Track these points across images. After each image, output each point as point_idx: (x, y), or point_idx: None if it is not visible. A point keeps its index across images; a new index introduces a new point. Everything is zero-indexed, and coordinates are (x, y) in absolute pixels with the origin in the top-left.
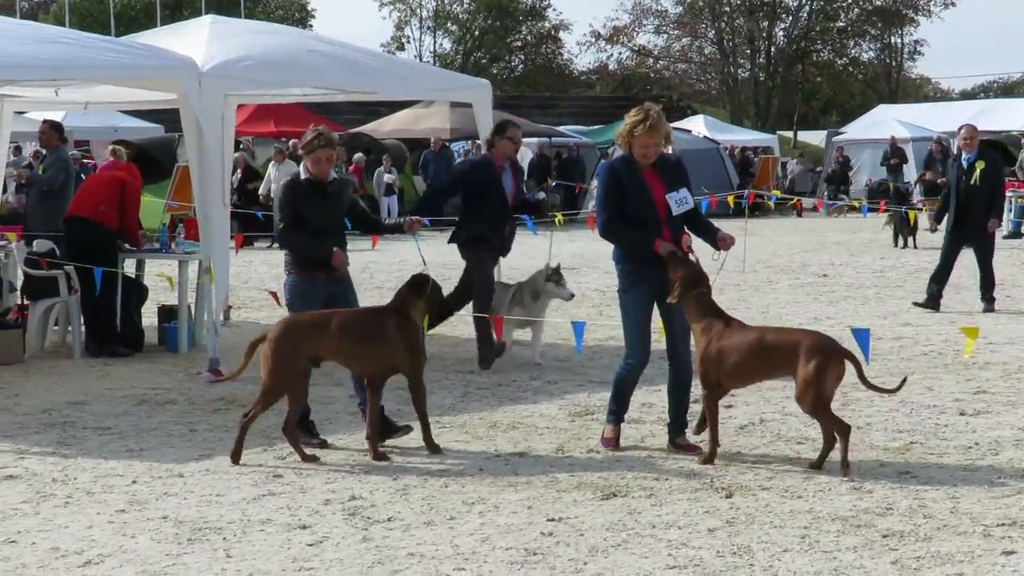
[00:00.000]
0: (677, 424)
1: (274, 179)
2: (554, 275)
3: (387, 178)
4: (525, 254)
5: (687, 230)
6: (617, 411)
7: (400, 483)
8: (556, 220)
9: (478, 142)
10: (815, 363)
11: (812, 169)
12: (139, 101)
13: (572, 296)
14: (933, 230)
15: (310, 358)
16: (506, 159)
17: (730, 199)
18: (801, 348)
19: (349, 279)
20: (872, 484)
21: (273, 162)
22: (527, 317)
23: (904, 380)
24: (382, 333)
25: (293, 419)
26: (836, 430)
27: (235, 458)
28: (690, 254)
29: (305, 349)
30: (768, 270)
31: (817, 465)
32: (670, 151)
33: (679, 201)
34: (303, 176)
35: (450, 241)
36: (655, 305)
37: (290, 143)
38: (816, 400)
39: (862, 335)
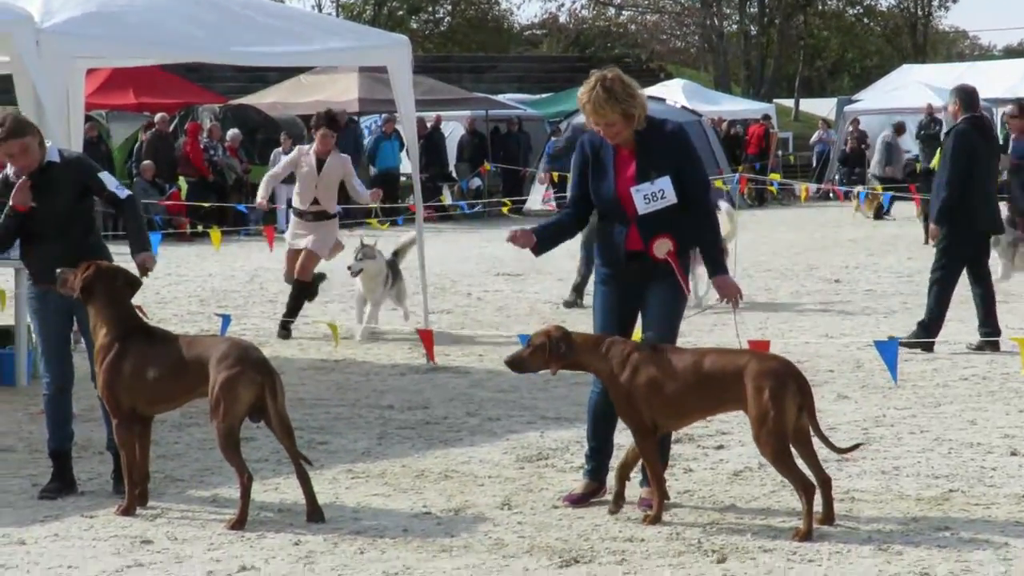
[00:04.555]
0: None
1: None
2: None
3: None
4: (451, 256)
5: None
6: (597, 456)
7: (303, 549)
8: (503, 209)
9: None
10: (769, 393)
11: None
12: None
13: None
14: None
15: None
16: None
17: (718, 183)
18: (747, 374)
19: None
20: (902, 544)
21: None
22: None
23: (857, 445)
24: None
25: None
26: (795, 486)
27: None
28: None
29: None
30: (766, 275)
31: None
32: (669, 123)
33: (649, 196)
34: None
35: None
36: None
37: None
38: (777, 442)
39: (888, 349)
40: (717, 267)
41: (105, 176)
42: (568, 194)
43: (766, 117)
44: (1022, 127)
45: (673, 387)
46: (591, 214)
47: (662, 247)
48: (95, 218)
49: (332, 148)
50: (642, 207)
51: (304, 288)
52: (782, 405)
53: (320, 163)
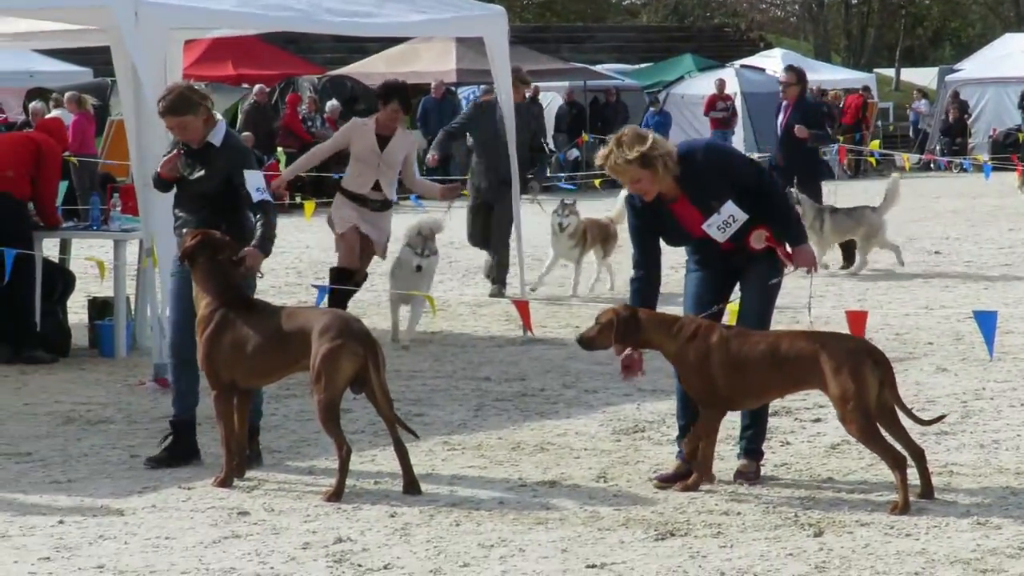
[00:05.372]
0: (748, 447)
1: None
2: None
3: None
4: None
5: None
6: (687, 435)
7: (399, 521)
8: (595, 183)
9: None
10: (848, 370)
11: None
12: (57, 34)
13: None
14: None
15: None
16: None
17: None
18: (824, 355)
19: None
20: (1001, 518)
21: None
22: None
23: (942, 417)
24: None
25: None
26: (887, 461)
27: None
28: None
29: None
30: None
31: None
32: (697, 149)
33: (722, 226)
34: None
35: None
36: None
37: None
38: (862, 420)
39: (987, 320)
40: (796, 238)
41: (250, 175)
42: (632, 259)
43: (865, 88)
44: (796, 94)
45: (748, 368)
46: (660, 268)
47: (759, 238)
48: (242, 203)
49: (399, 126)
50: (721, 237)
51: (352, 277)
52: (863, 383)
53: (383, 141)
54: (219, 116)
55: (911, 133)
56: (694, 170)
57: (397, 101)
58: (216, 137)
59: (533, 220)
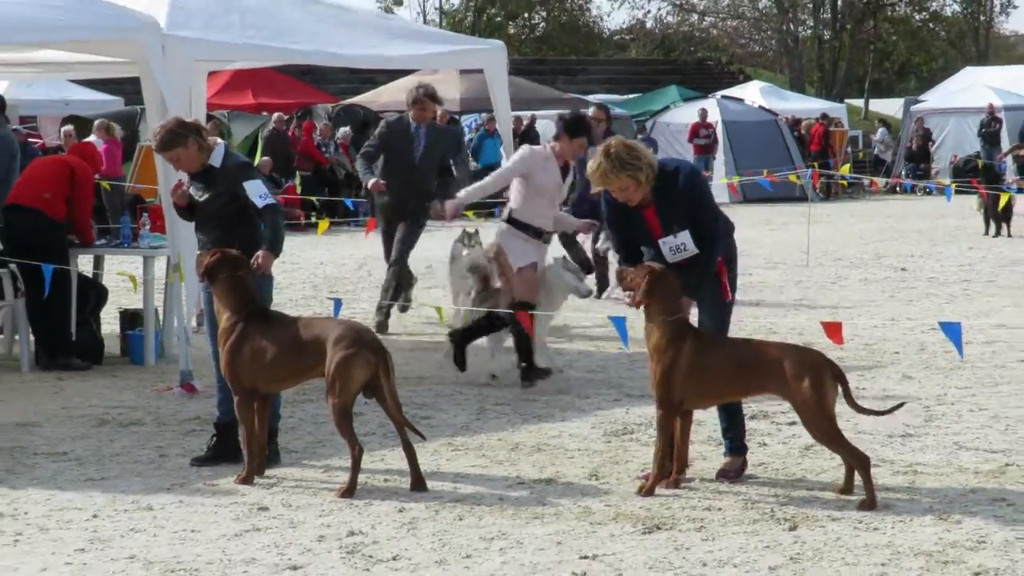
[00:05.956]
0: (731, 446)
1: None
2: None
3: None
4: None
5: None
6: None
7: (407, 515)
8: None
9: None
10: (810, 380)
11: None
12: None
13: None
14: None
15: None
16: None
17: (792, 178)
18: (786, 363)
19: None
20: (961, 514)
21: None
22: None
23: (900, 404)
24: None
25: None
26: (852, 460)
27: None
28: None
29: None
30: (836, 263)
31: (845, 489)
32: (681, 172)
33: (674, 248)
34: None
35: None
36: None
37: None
38: (826, 424)
39: (953, 330)
40: (691, 290)
41: (250, 185)
42: (614, 243)
43: (824, 116)
44: (604, 130)
45: (712, 370)
46: (641, 254)
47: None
48: (252, 215)
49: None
50: (670, 257)
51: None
52: (823, 391)
53: (563, 174)
54: (218, 140)
55: (875, 160)
56: (669, 189)
57: (585, 137)
58: (216, 159)
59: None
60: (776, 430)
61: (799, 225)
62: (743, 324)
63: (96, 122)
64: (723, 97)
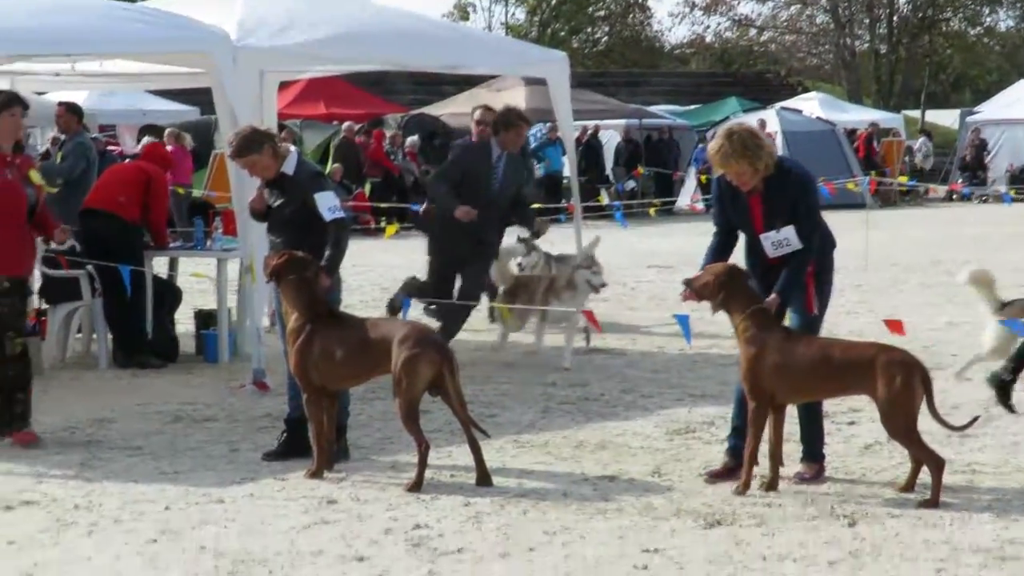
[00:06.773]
0: (808, 450)
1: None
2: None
3: None
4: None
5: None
6: (739, 435)
7: (472, 510)
8: (650, 211)
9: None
10: (901, 378)
11: (944, 153)
12: (166, 75)
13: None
14: None
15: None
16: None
17: (850, 185)
18: (878, 364)
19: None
20: (1019, 513)
21: None
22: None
23: (975, 419)
24: None
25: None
26: (927, 461)
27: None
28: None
29: None
30: (894, 268)
31: (907, 487)
32: (795, 169)
33: (776, 243)
34: None
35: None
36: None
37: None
38: (910, 424)
39: (1017, 327)
40: (784, 288)
41: (321, 197)
42: (714, 221)
43: (872, 125)
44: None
45: (801, 365)
46: (736, 236)
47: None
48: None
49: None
50: (771, 252)
51: None
52: (911, 391)
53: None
54: (291, 147)
55: (907, 167)
56: (780, 183)
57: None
58: (289, 167)
59: None
60: (836, 429)
61: (857, 231)
62: None
63: (167, 130)
64: (782, 108)
